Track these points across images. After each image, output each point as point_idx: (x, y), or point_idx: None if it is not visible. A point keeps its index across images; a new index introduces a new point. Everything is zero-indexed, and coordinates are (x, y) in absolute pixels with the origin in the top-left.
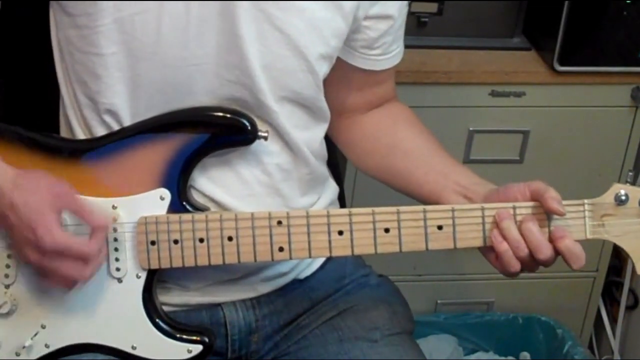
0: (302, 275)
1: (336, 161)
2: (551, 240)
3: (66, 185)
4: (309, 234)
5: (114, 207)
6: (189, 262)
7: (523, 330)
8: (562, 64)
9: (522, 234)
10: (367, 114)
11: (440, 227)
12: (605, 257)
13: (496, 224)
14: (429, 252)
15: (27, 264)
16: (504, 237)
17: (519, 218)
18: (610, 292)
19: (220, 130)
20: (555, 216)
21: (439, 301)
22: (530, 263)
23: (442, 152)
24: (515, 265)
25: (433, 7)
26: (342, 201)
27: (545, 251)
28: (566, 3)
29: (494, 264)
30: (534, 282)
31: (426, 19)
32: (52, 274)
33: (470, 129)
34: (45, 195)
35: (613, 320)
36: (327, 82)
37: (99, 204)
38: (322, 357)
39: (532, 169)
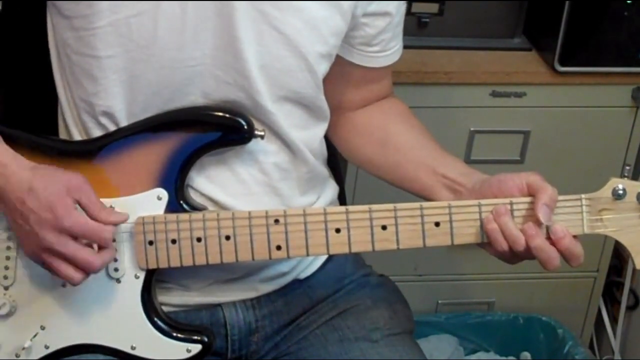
0: (303, 275)
1: (337, 160)
2: (550, 239)
3: (82, 179)
4: (306, 231)
5: (111, 208)
6: (187, 262)
7: (524, 331)
8: (562, 64)
9: (527, 245)
10: (360, 109)
11: (437, 224)
12: (606, 257)
13: (494, 220)
14: (430, 252)
15: (33, 256)
16: (503, 234)
17: (516, 214)
18: (610, 292)
19: (217, 130)
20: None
21: (439, 301)
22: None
23: (431, 145)
24: (503, 244)
25: (434, 8)
26: (342, 201)
27: (553, 262)
28: (567, 3)
29: (489, 250)
30: (535, 282)
31: (427, 20)
32: (65, 259)
33: (471, 129)
34: (64, 183)
35: (614, 320)
36: (325, 78)
37: None
38: (323, 357)
39: (533, 169)
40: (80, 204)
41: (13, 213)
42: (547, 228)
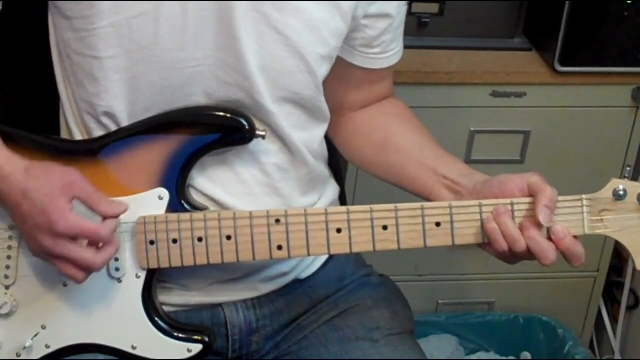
0: (303, 275)
1: (337, 160)
2: (551, 239)
3: (77, 174)
4: (307, 232)
5: (110, 199)
6: (188, 262)
7: (524, 331)
8: (563, 64)
9: (525, 242)
10: (361, 110)
11: (438, 224)
12: (606, 257)
13: (494, 220)
14: (430, 252)
15: (38, 255)
16: (502, 234)
17: (517, 214)
18: (611, 292)
19: (218, 130)
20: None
21: (440, 301)
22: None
23: (432, 146)
24: (503, 244)
25: (434, 8)
26: (343, 201)
27: (550, 256)
28: (567, 3)
29: (489, 251)
30: (535, 282)
31: (427, 20)
32: (66, 260)
33: (472, 129)
34: (57, 182)
35: (614, 320)
36: (325, 80)
37: None
38: (323, 357)
39: (533, 170)
40: (79, 200)
41: (13, 215)
42: (548, 229)
